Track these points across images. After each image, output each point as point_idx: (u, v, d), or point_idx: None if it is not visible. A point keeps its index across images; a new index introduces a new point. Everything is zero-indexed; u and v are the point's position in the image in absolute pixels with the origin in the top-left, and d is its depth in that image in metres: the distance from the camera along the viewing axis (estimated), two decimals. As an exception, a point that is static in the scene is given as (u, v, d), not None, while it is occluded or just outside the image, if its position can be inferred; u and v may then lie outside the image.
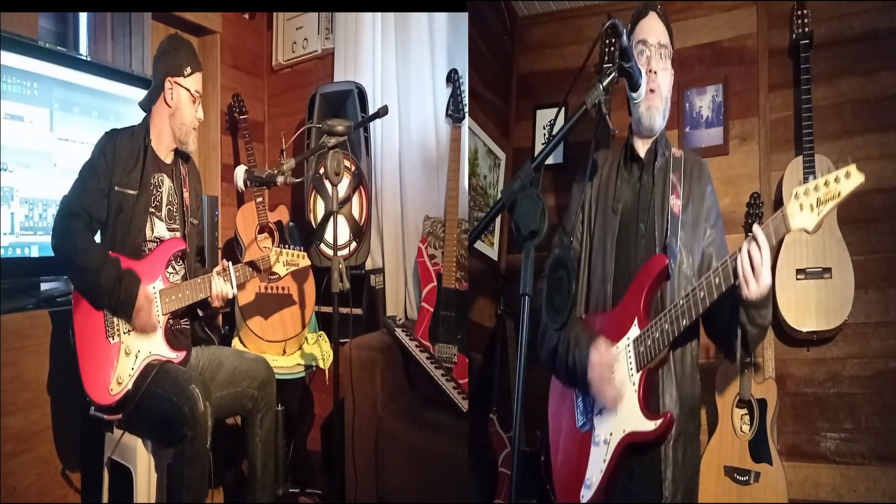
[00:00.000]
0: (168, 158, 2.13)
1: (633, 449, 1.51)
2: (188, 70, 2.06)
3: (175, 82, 2.04)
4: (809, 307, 2.39)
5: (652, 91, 1.65)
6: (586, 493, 1.53)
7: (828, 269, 2.39)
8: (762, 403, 2.39)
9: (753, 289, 1.39)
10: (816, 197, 1.33)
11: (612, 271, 1.64)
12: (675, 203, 1.62)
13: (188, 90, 2.05)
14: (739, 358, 1.55)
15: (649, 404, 1.51)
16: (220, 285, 2.03)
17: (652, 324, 1.51)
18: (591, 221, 1.72)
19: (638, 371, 1.52)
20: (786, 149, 2.68)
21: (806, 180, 2.43)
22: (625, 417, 1.51)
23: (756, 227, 1.40)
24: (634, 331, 1.54)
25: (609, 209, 1.69)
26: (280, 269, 2.19)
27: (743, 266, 1.39)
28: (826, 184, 1.32)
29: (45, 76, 2.32)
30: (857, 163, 1.30)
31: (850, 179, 1.30)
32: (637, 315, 1.54)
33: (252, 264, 2.14)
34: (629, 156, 1.74)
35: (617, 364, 1.53)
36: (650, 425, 1.47)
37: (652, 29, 1.69)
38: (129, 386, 1.89)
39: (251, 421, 2.12)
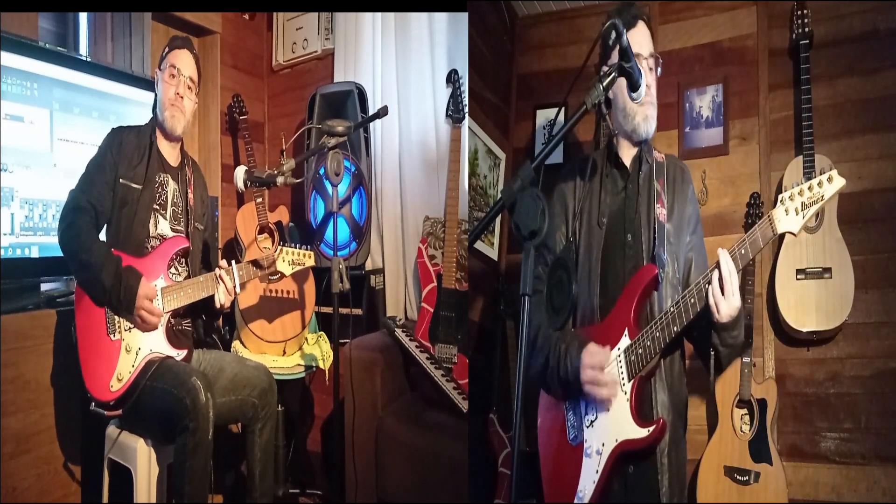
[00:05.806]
0: (174, 161, 2.14)
1: (626, 458, 1.51)
2: (166, 50, 2.10)
3: (159, 69, 2.11)
4: (809, 307, 2.40)
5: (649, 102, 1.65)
6: None
7: (828, 269, 2.40)
8: (762, 403, 2.39)
9: (724, 310, 1.43)
10: (801, 201, 1.39)
11: (598, 284, 1.64)
12: (661, 212, 1.63)
13: (168, 66, 2.07)
14: (712, 378, 1.57)
15: (641, 412, 1.52)
16: (224, 283, 2.02)
17: (643, 333, 1.52)
18: (576, 234, 1.72)
19: (629, 380, 1.53)
20: (786, 149, 2.68)
21: (807, 180, 2.46)
22: (617, 427, 1.51)
23: (721, 252, 1.44)
24: (625, 341, 1.55)
25: (594, 222, 1.69)
26: (285, 268, 2.15)
27: (714, 292, 1.43)
28: (810, 188, 1.38)
29: (46, 76, 2.32)
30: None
31: (831, 183, 1.37)
32: (627, 325, 1.55)
33: (255, 263, 2.11)
34: (613, 164, 1.73)
35: (608, 367, 1.54)
36: (642, 432, 1.48)
37: (643, 41, 1.66)
38: (129, 383, 1.89)
39: (251, 429, 2.11)
